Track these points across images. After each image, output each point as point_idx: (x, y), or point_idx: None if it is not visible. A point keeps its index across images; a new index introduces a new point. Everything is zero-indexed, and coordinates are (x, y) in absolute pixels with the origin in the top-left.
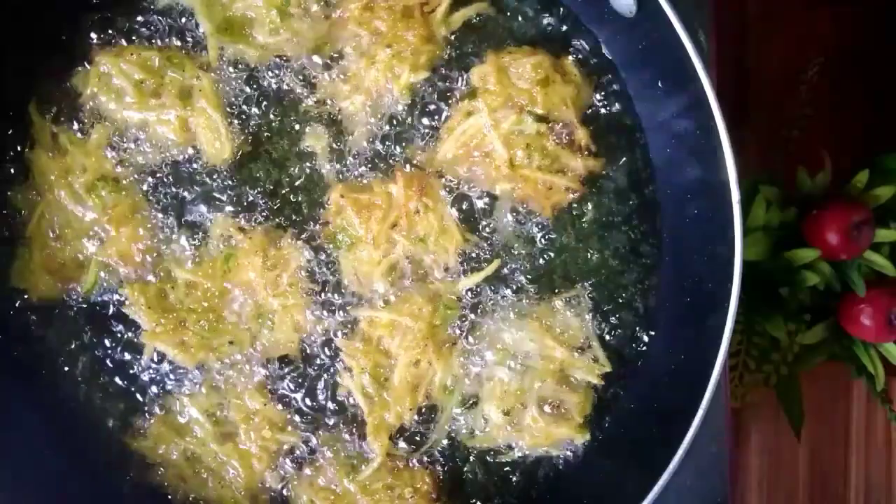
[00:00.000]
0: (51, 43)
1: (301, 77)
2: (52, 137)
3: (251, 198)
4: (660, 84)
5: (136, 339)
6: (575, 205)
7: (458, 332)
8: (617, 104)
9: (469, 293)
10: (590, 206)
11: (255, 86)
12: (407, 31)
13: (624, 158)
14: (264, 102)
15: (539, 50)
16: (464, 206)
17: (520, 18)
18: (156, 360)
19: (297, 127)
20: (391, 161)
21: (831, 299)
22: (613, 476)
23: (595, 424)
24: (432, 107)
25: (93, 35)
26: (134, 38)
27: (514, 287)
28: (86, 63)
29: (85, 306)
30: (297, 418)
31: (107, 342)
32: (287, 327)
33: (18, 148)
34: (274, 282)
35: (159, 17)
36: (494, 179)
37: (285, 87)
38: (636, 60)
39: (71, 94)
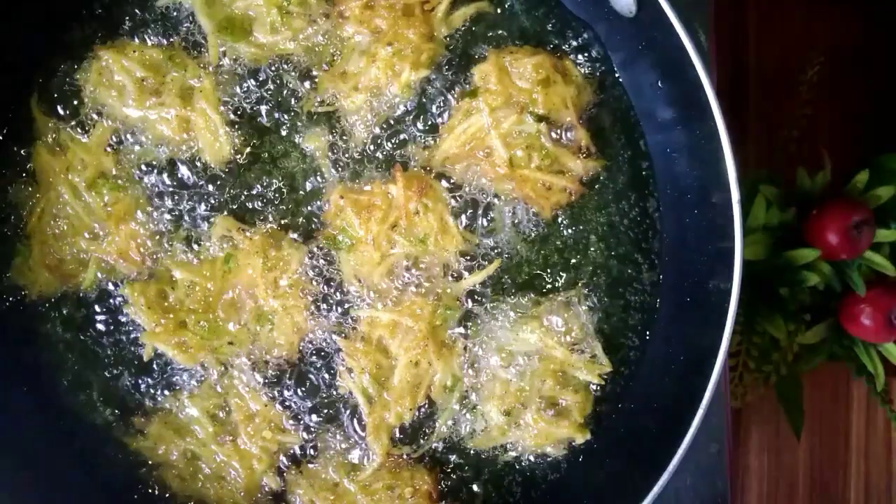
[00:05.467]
0: (53, 39)
1: (301, 76)
2: (53, 134)
3: (251, 198)
4: (660, 84)
5: (136, 339)
6: (575, 205)
7: (458, 332)
8: (617, 104)
9: (469, 293)
10: (590, 206)
11: (255, 84)
12: (407, 29)
13: (624, 159)
14: (265, 101)
15: (540, 50)
16: (464, 207)
17: (520, 18)
18: (155, 360)
19: (297, 126)
20: (391, 161)
21: (831, 299)
22: (613, 476)
23: (595, 424)
24: (433, 106)
25: (95, 32)
26: (135, 36)
27: (515, 287)
28: (88, 60)
29: (84, 304)
30: (297, 418)
31: (106, 341)
32: (287, 328)
33: (19, 145)
34: (274, 282)
35: (160, 16)
36: (494, 179)
37: (286, 85)
38: (636, 60)
39: (72, 91)
